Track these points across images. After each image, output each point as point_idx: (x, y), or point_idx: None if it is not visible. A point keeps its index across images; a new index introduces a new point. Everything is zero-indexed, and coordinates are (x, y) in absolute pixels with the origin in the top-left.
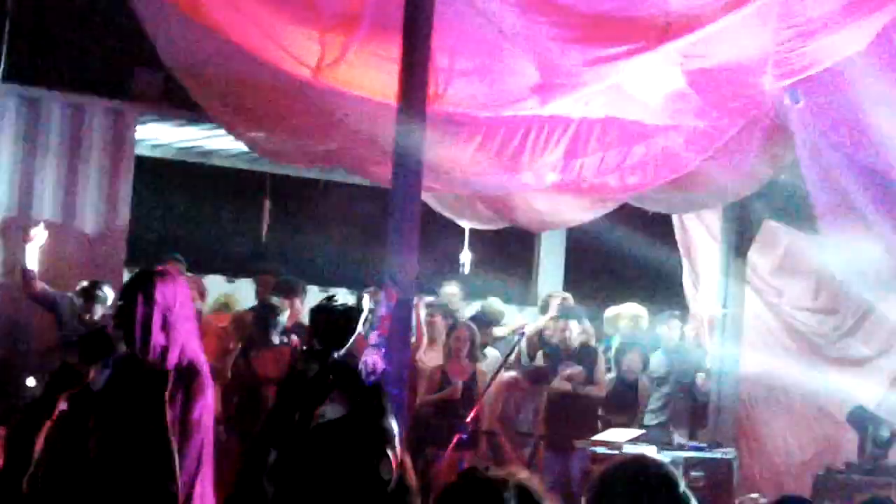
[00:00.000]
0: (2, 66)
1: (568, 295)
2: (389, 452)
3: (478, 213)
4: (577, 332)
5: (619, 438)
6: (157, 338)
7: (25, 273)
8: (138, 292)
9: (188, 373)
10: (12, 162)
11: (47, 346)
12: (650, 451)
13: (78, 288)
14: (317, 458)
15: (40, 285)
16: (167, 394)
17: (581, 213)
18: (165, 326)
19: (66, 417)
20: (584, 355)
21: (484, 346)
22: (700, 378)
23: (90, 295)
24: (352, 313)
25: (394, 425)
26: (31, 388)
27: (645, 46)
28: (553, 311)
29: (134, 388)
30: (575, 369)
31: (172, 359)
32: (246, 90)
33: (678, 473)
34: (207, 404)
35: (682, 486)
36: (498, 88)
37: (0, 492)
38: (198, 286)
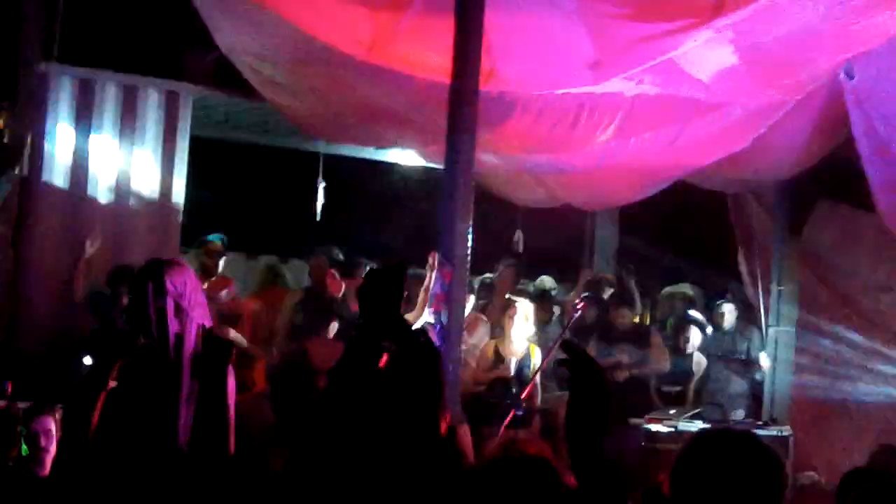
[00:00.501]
0: (56, 48)
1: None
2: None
3: (531, 192)
4: (630, 313)
5: (676, 415)
6: (172, 326)
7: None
8: (148, 283)
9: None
10: (67, 143)
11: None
12: (703, 428)
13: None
14: (370, 411)
15: (80, 294)
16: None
17: (634, 190)
18: (179, 314)
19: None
20: (639, 335)
21: (538, 323)
22: (761, 357)
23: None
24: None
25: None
26: (87, 366)
27: (698, 22)
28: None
29: (151, 379)
30: (623, 358)
31: (189, 345)
32: (299, 70)
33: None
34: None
35: (770, 455)
36: (552, 66)
37: (59, 466)
38: (226, 283)
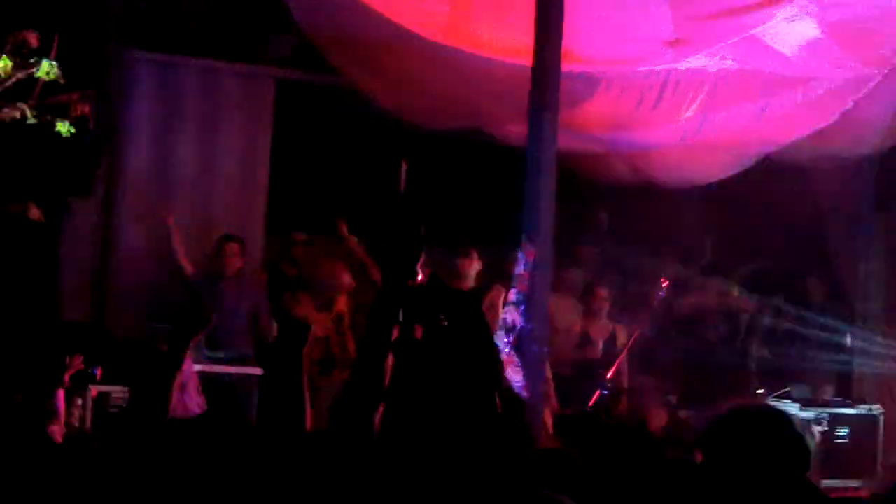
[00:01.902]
0: (138, 34)
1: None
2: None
3: (614, 170)
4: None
5: (763, 395)
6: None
7: (176, 264)
8: None
9: None
10: (150, 130)
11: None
12: (792, 407)
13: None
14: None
15: (192, 269)
16: None
17: (720, 168)
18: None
19: None
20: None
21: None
22: (849, 335)
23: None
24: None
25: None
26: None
27: None
28: None
29: None
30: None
31: None
32: (380, 52)
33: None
34: None
35: (794, 431)
36: (632, 43)
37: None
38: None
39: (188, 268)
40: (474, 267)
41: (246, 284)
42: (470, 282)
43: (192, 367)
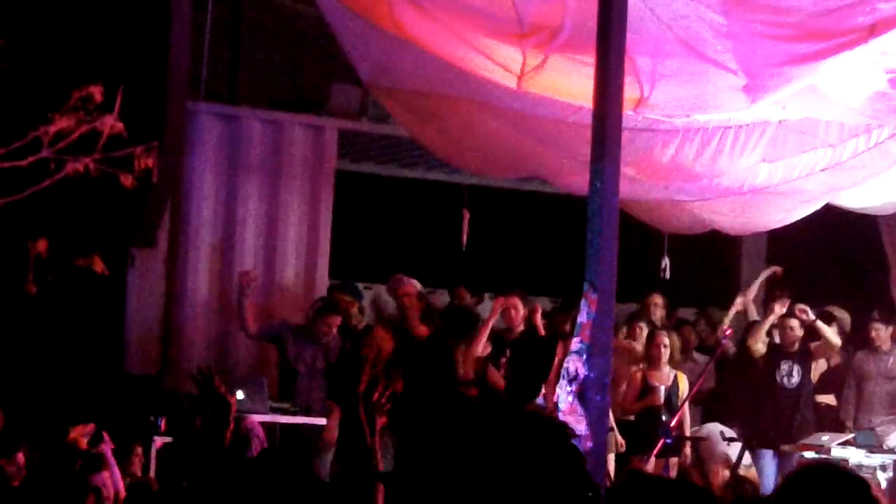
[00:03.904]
0: (202, 86)
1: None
2: None
3: (677, 219)
4: (798, 330)
5: (828, 442)
6: None
7: (242, 321)
8: None
9: None
10: (215, 181)
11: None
12: (858, 454)
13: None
14: None
15: (256, 327)
16: None
17: (782, 214)
18: None
19: None
20: (803, 355)
21: (686, 349)
22: None
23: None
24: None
25: None
26: (240, 400)
27: (852, 41)
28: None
29: None
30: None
31: None
32: (443, 104)
33: (873, 481)
34: None
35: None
36: (703, 89)
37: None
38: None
39: (253, 326)
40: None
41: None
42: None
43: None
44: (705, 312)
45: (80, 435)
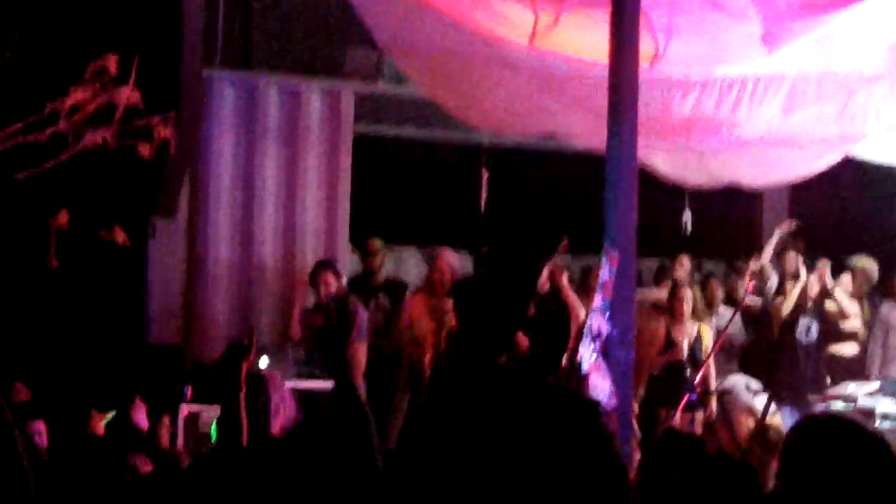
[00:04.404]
0: (217, 53)
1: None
2: None
3: (697, 173)
4: (816, 287)
5: (856, 391)
6: None
7: (290, 326)
8: None
9: None
10: (233, 148)
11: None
12: (886, 403)
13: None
14: None
15: (298, 332)
16: None
17: (802, 167)
18: None
19: None
20: (821, 312)
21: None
22: None
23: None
24: None
25: None
26: (264, 367)
27: None
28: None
29: None
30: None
31: None
32: (458, 64)
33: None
34: None
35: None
36: (719, 42)
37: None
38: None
39: (296, 332)
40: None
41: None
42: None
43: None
44: (732, 265)
45: (99, 422)
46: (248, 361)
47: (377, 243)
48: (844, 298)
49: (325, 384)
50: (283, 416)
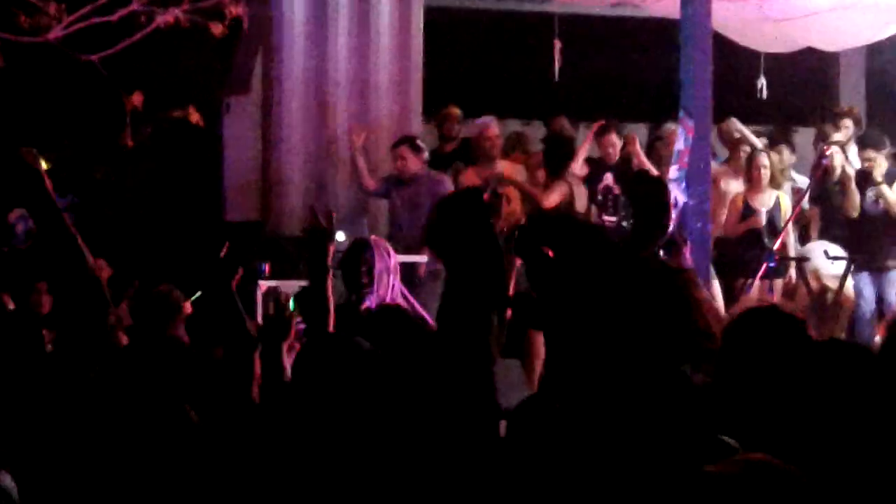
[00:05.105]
0: None
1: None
2: None
3: (771, 37)
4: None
5: None
6: None
7: (359, 179)
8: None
9: None
10: (305, 23)
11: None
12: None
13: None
14: None
15: (372, 183)
16: None
17: (879, 29)
18: None
19: None
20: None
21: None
22: None
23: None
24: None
25: None
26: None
27: None
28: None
29: None
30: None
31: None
32: None
33: None
34: None
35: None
36: None
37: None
38: None
39: (371, 184)
40: None
41: (426, 183)
42: None
43: (393, 255)
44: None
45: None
46: (332, 244)
47: (454, 110)
48: None
49: (402, 258)
50: (385, 284)
